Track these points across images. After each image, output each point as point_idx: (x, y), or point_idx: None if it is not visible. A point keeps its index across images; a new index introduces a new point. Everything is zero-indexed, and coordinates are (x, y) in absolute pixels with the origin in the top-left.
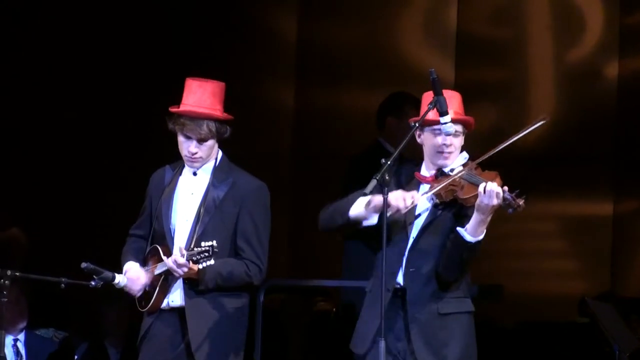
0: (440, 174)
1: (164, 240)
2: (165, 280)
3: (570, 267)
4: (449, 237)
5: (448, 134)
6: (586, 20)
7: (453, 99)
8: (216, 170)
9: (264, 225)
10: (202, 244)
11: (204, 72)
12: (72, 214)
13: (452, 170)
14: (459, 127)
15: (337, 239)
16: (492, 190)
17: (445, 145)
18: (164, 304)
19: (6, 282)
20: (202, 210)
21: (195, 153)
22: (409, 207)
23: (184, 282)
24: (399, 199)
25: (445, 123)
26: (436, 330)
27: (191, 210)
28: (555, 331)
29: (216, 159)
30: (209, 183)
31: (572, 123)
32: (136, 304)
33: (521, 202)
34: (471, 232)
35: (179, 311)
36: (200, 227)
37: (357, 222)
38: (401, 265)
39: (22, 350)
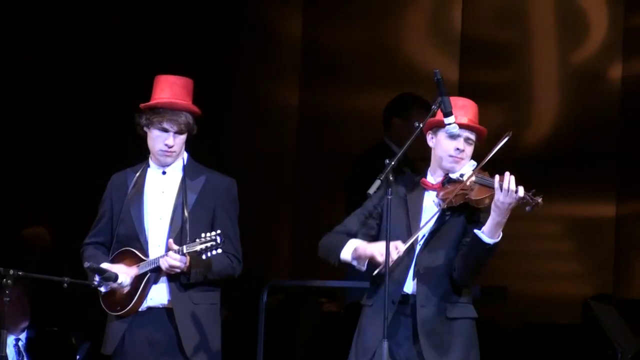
0: (447, 181)
1: (136, 241)
2: (149, 279)
3: (573, 269)
4: (460, 241)
5: (452, 135)
6: (590, 21)
7: (470, 108)
8: (186, 167)
9: (236, 219)
10: (204, 235)
11: (210, 73)
12: (74, 212)
13: (461, 176)
14: (472, 135)
15: None
16: (509, 188)
17: (459, 150)
18: (143, 305)
19: (8, 281)
20: (184, 207)
21: (172, 146)
22: (395, 259)
23: (168, 280)
24: (382, 253)
25: (450, 124)
26: (442, 334)
27: (164, 208)
28: (559, 333)
29: (183, 158)
30: (182, 180)
31: (575, 125)
32: (105, 308)
33: (539, 199)
34: (489, 233)
35: (157, 311)
36: (188, 221)
37: (347, 265)
38: (407, 275)
39: (24, 351)
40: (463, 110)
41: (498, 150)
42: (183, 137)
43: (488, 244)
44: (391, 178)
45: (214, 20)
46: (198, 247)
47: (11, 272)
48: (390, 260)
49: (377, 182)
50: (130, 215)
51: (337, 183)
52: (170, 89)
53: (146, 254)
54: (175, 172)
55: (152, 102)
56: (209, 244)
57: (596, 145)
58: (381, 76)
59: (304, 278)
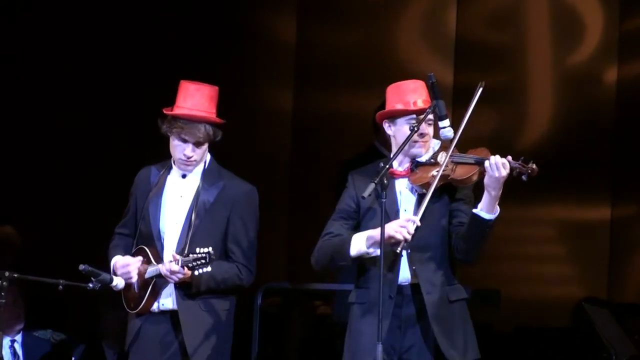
0: (415, 165)
1: (152, 242)
2: (156, 284)
3: (568, 272)
4: (450, 222)
5: (447, 139)
6: (586, 24)
7: (421, 89)
8: (206, 173)
9: (254, 228)
10: (198, 250)
11: (203, 76)
12: (69, 214)
13: (431, 159)
14: (431, 115)
15: None
16: (497, 162)
17: (422, 135)
18: (154, 307)
19: (4, 283)
20: (193, 214)
21: (191, 157)
22: (412, 232)
23: (175, 286)
24: (398, 231)
25: (444, 127)
26: (446, 317)
27: (180, 213)
28: (553, 336)
29: (205, 162)
30: (199, 186)
31: (570, 128)
32: (124, 304)
33: (533, 165)
34: (487, 209)
35: (170, 314)
36: (192, 230)
37: (360, 258)
38: (399, 267)
39: (20, 352)
40: (416, 93)
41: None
42: (204, 147)
43: (489, 220)
44: (385, 182)
45: (207, 25)
46: (190, 263)
47: (6, 273)
48: (408, 234)
49: (372, 186)
50: (149, 215)
51: (331, 186)
52: (192, 99)
53: (160, 256)
54: (195, 177)
55: (173, 111)
56: (198, 261)
57: (591, 148)
58: (375, 80)
59: (298, 281)
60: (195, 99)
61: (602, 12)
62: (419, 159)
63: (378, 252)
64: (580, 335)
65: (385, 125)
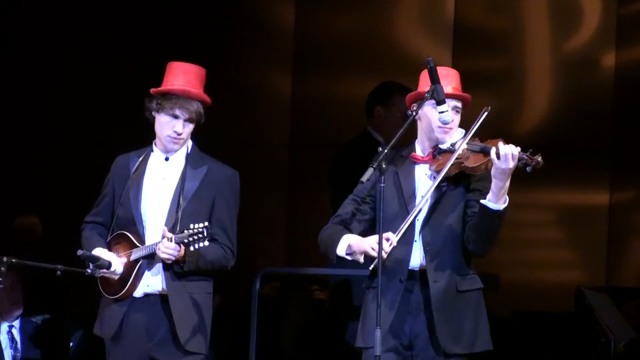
0: (438, 152)
1: (132, 226)
2: (142, 266)
3: (566, 257)
4: (465, 212)
5: (446, 123)
6: (583, 9)
7: (452, 77)
8: (189, 157)
9: (236, 212)
10: (192, 225)
11: (202, 60)
12: (67, 201)
13: (452, 145)
14: (458, 104)
15: None
16: (506, 154)
17: (446, 122)
18: (138, 291)
19: (2, 268)
20: (181, 196)
21: (181, 134)
22: (388, 251)
23: (164, 267)
24: (374, 248)
25: (443, 112)
26: (453, 308)
27: (164, 195)
28: (551, 321)
29: (187, 147)
30: (184, 169)
31: (568, 112)
32: (102, 290)
33: (539, 158)
34: (494, 200)
35: (154, 297)
36: (180, 211)
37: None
38: (410, 251)
39: (17, 337)
40: (447, 79)
41: (480, 124)
42: (192, 126)
43: (497, 211)
44: (384, 166)
45: (205, 9)
46: (186, 239)
47: (5, 259)
48: (384, 252)
49: (370, 170)
50: (129, 199)
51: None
52: (184, 77)
53: (142, 240)
54: (178, 159)
55: (165, 87)
56: (195, 236)
57: (589, 133)
58: (374, 65)
59: (297, 266)
60: (188, 77)
61: None
62: (440, 146)
63: (358, 258)
64: (579, 320)
65: (413, 107)
